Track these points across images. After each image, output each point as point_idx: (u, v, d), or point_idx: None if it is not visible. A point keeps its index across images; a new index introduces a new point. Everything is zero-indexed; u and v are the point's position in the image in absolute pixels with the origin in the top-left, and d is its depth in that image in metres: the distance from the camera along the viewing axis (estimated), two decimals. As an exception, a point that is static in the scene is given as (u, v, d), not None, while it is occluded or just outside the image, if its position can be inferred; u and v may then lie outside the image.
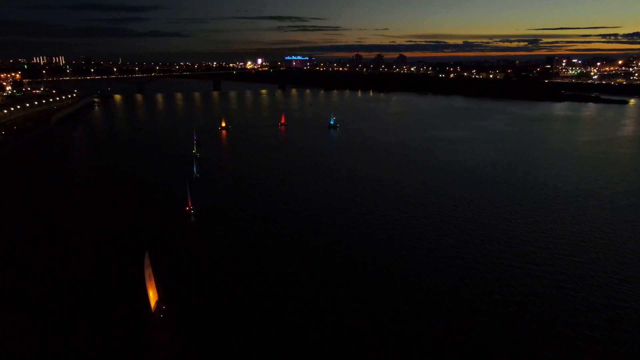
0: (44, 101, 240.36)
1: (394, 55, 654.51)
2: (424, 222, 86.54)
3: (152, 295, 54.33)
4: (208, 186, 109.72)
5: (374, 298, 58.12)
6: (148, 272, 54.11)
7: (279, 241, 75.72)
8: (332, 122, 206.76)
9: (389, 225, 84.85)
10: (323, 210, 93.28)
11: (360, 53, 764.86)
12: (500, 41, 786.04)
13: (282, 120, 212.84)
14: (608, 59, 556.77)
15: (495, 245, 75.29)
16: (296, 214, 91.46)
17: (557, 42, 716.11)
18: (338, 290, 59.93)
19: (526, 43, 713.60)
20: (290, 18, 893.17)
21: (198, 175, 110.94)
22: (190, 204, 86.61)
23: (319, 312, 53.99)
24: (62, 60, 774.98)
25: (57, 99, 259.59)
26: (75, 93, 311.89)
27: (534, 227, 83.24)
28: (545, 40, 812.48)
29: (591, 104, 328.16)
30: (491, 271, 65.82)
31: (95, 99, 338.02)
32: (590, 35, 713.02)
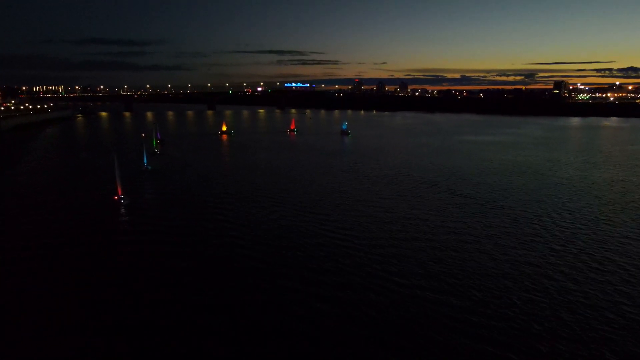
0: (2, 108, 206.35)
1: (393, 88, 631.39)
2: (506, 233, 50.17)
3: None
4: (160, 179, 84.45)
5: None
6: None
7: (230, 250, 47.43)
8: (344, 128, 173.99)
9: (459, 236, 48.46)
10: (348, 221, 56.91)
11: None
12: (497, 75, 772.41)
13: (292, 127, 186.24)
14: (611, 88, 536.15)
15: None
16: (284, 222, 56.44)
17: (553, 76, 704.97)
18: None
19: (522, 77, 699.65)
20: (290, 52, 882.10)
21: (149, 167, 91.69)
22: (120, 193, 64.02)
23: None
24: (62, 90, 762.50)
25: (22, 108, 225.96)
26: (49, 106, 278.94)
27: None
28: (541, 74, 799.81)
29: (615, 118, 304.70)
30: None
31: (78, 115, 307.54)
32: (585, 70, 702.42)
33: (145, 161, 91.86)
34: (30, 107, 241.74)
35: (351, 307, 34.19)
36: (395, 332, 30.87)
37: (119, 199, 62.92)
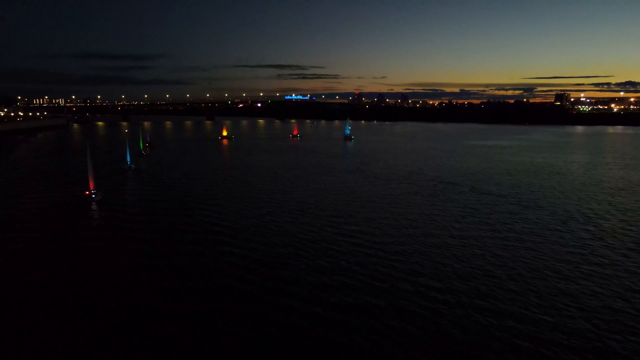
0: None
1: (394, 101, 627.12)
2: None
3: None
4: (142, 177, 76.93)
5: None
6: None
7: (216, 249, 38.65)
8: (347, 133, 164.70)
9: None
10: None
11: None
12: (495, 89, 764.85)
13: (295, 132, 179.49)
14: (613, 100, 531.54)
15: None
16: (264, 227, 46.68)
17: (551, 90, 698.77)
18: None
19: (521, 91, 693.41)
20: (290, 66, 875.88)
21: (133, 167, 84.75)
22: (92, 187, 55.64)
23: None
24: (62, 102, 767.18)
25: (12, 115, 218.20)
26: (42, 114, 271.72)
27: None
28: (540, 88, 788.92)
29: (621, 127, 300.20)
30: None
31: (74, 124, 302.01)
32: (583, 84, 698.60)
33: (128, 160, 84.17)
34: (22, 114, 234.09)
35: (370, 317, 25.22)
36: (430, 352, 21.89)
37: (90, 194, 55.03)
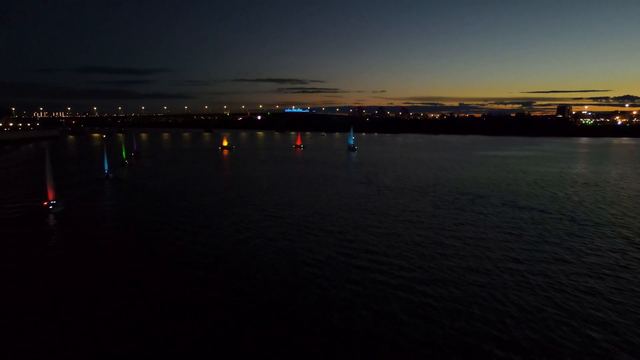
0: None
1: (394, 114, 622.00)
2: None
3: None
4: (119, 186, 69.07)
5: None
6: None
7: (190, 275, 29.53)
8: (351, 143, 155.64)
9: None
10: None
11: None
12: (494, 103, 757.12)
13: (298, 142, 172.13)
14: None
15: None
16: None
17: (550, 104, 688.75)
18: None
19: (520, 105, 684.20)
20: (290, 80, 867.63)
21: (110, 175, 77.64)
22: (51, 197, 48.46)
23: None
24: (62, 114, 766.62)
25: (0, 125, 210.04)
26: (32, 125, 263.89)
27: None
28: (539, 102, 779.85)
29: (627, 138, 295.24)
30: None
31: (70, 136, 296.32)
32: (582, 98, 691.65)
33: (106, 168, 76.19)
34: (11, 124, 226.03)
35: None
36: None
37: (49, 204, 47.18)
